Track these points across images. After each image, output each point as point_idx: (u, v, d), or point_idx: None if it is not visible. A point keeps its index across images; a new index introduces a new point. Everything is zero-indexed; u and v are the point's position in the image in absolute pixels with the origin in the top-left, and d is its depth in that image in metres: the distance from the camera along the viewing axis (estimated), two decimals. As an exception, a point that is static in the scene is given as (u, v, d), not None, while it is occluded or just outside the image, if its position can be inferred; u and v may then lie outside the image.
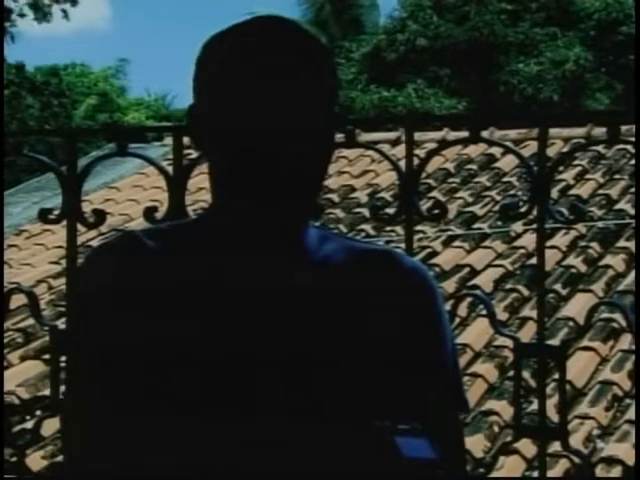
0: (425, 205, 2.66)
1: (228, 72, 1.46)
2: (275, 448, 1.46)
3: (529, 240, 6.85)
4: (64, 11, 20.02)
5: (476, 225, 7.82)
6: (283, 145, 1.44)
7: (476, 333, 5.94)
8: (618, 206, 7.82)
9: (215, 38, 1.52)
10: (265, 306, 1.49)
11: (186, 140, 2.14)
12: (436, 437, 1.36)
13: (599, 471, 4.58)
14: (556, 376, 2.72)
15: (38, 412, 5.19)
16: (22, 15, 20.05)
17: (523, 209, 2.55)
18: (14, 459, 2.93)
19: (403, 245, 2.60)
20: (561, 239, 7.19)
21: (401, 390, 1.53)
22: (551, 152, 6.74)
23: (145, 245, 1.54)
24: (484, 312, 4.62)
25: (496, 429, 5.21)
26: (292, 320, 1.50)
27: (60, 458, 4.71)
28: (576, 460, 2.69)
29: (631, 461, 4.53)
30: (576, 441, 4.72)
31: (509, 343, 3.35)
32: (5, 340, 5.93)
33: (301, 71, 1.46)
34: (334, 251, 1.56)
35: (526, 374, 4.03)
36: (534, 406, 3.56)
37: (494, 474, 4.70)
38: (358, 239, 1.69)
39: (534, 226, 3.04)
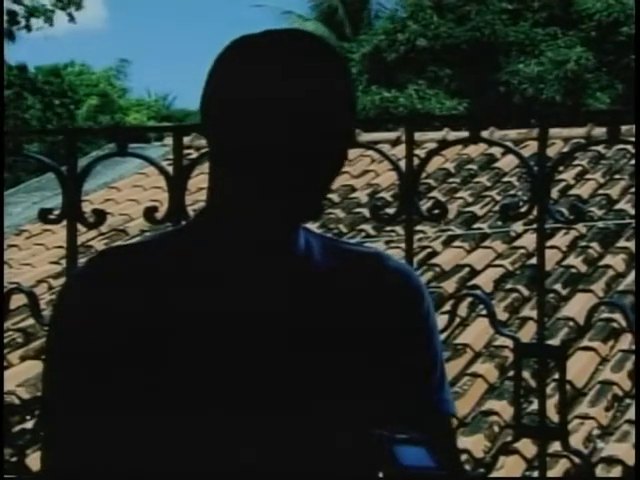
0: (425, 205, 2.65)
1: (250, 74, 1.47)
2: (268, 456, 1.47)
3: (529, 240, 6.85)
4: (70, 14, 20.07)
5: (476, 225, 7.81)
6: (295, 151, 1.45)
7: (476, 333, 5.94)
8: (618, 206, 7.82)
9: (243, 40, 1.53)
10: (254, 307, 1.50)
11: (186, 140, 2.14)
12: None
13: (599, 471, 4.58)
14: (556, 376, 2.72)
15: (38, 412, 5.19)
16: (28, 17, 20.08)
17: (523, 209, 2.55)
18: (14, 459, 2.93)
19: (403, 245, 2.61)
20: (561, 239, 7.19)
21: (386, 392, 1.55)
22: (551, 152, 6.74)
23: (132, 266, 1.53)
24: (484, 312, 4.62)
25: (496, 429, 5.21)
26: (281, 321, 1.51)
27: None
28: (576, 460, 2.69)
29: (631, 461, 4.53)
30: (576, 441, 4.72)
31: (509, 343, 3.35)
32: (5, 340, 5.92)
33: (322, 86, 1.47)
34: (321, 253, 1.57)
35: (526, 374, 4.02)
36: (534, 406, 3.57)
37: (494, 474, 4.68)
38: (345, 241, 1.71)
39: (534, 226, 3.04)
